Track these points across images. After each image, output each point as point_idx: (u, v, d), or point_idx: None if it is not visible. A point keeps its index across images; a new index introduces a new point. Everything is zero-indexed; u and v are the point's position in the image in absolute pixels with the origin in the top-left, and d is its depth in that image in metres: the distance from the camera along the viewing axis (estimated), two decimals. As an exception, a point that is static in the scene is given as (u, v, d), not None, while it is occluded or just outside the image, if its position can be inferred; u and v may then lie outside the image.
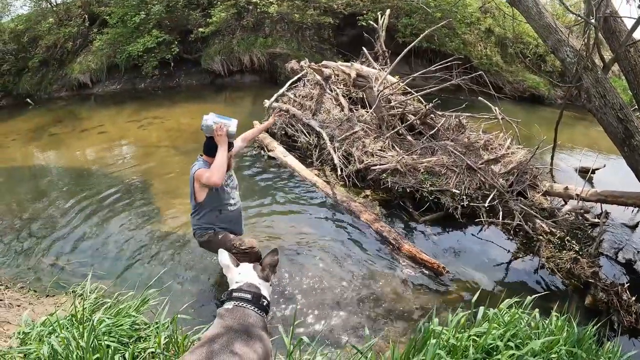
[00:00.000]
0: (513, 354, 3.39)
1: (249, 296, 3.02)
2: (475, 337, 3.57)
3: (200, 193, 4.83)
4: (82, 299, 4.55)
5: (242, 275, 3.16)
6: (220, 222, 5.03)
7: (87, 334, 3.49)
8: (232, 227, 5.14)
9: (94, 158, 10.66)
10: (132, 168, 9.78)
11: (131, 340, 3.81)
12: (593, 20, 5.63)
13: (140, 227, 7.02)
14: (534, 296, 4.20)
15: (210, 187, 4.76)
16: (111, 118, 14.93)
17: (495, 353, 3.48)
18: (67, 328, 3.77)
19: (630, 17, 5.69)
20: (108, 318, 3.88)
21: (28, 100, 18.47)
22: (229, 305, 3.01)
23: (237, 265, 3.22)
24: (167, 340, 3.74)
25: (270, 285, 3.27)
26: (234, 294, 3.06)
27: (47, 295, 5.34)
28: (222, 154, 4.68)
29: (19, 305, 4.96)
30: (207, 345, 2.71)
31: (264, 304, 3.05)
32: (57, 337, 3.60)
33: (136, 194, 8.31)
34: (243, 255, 4.73)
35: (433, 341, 3.43)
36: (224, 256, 3.22)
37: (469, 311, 3.87)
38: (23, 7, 21.15)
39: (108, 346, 3.56)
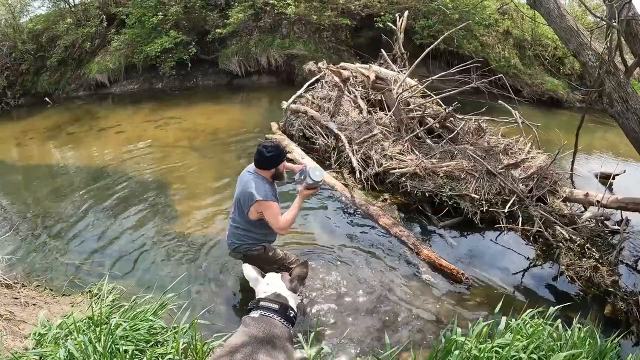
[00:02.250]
0: (536, 367, 3.34)
1: (276, 306, 3.00)
2: (498, 349, 3.52)
3: (255, 214, 4.61)
4: (98, 300, 4.56)
5: (270, 285, 3.15)
6: (271, 236, 4.94)
7: (104, 338, 3.48)
8: (274, 237, 5.06)
9: (111, 157, 10.69)
10: (150, 168, 9.81)
11: (148, 345, 3.79)
12: (615, 23, 5.54)
13: (157, 227, 7.03)
14: (557, 307, 4.14)
15: None
16: (128, 118, 15.01)
17: (518, 365, 3.43)
18: (84, 331, 3.76)
19: (653, 21, 5.61)
20: (125, 321, 3.88)
21: (46, 99, 18.63)
22: (255, 314, 2.99)
23: (264, 277, 3.19)
24: (185, 346, 3.72)
25: (299, 296, 3.25)
26: (261, 303, 3.04)
27: (63, 295, 5.36)
28: (299, 207, 4.62)
29: (34, 304, 4.96)
30: (230, 354, 2.69)
31: (291, 315, 3.03)
32: (73, 340, 3.58)
33: (154, 195, 8.32)
34: (286, 269, 4.66)
35: (456, 352, 3.38)
36: (249, 269, 3.20)
37: (491, 321, 3.82)
38: (41, 8, 21.31)
39: (125, 351, 3.55)
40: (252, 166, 4.75)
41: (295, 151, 9.32)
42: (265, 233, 4.84)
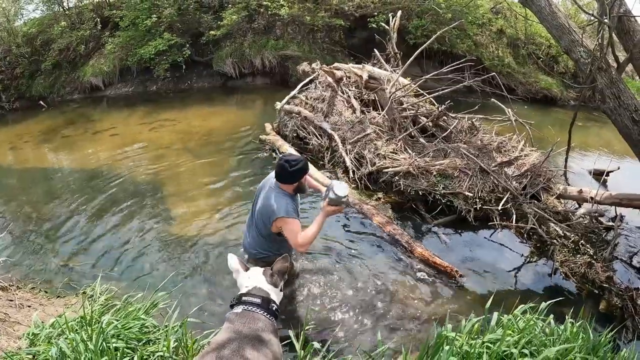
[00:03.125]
0: (527, 362, 3.35)
1: (258, 300, 3.00)
2: (489, 344, 3.52)
3: (276, 229, 4.46)
4: (91, 300, 4.56)
5: (252, 279, 3.15)
6: (288, 247, 4.83)
7: (96, 336, 3.49)
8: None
9: (106, 160, 10.68)
10: (144, 170, 9.79)
11: (140, 344, 3.81)
12: (607, 20, 5.56)
13: (151, 229, 7.02)
14: (549, 302, 4.15)
15: None
16: (123, 120, 15.00)
17: (509, 360, 3.43)
18: (76, 330, 3.77)
19: (644, 16, 5.62)
20: (117, 320, 3.89)
21: (41, 102, 18.61)
22: (237, 309, 2.99)
23: (247, 270, 3.19)
24: (176, 344, 3.73)
25: (280, 290, 3.24)
26: (243, 298, 3.04)
27: (58, 296, 5.36)
28: (321, 224, 4.37)
29: (29, 306, 4.97)
30: (217, 350, 2.69)
31: (273, 308, 3.03)
32: (65, 339, 3.60)
33: (147, 196, 8.31)
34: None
35: (446, 347, 3.38)
36: (233, 260, 3.20)
37: (482, 317, 3.82)
38: (35, 11, 21.28)
39: (117, 349, 3.56)
40: (274, 179, 4.55)
41: (289, 152, 9.32)
42: (284, 244, 4.70)
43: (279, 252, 4.57)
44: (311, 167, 6.94)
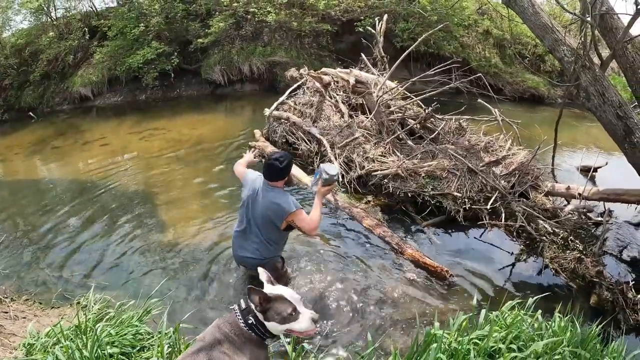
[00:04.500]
0: (515, 357, 3.38)
1: (243, 305, 3.03)
2: (477, 341, 3.56)
3: (285, 224, 4.70)
4: (86, 310, 4.57)
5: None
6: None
7: (91, 344, 3.51)
8: None
9: (97, 170, 10.66)
10: (135, 179, 9.80)
11: (134, 350, 3.83)
12: (589, 18, 5.62)
13: (142, 237, 7.02)
14: (535, 297, 4.20)
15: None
16: (113, 130, 15.00)
17: (497, 356, 3.47)
18: (71, 338, 3.79)
19: (626, 14, 5.65)
20: (111, 327, 3.91)
21: (31, 113, 18.56)
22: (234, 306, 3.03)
23: (272, 285, 3.18)
24: (170, 349, 3.75)
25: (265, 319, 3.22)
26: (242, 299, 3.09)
27: (52, 307, 5.35)
28: (320, 205, 4.68)
29: (24, 317, 4.96)
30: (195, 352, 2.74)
31: (250, 321, 2.96)
32: (61, 347, 3.62)
33: (139, 205, 8.31)
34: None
35: (434, 345, 3.42)
36: (264, 276, 3.19)
37: (470, 314, 3.86)
38: (23, 22, 21.25)
39: (111, 355, 3.59)
40: (261, 178, 4.79)
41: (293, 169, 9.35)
42: (285, 243, 5.07)
43: (278, 254, 4.94)
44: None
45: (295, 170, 8.52)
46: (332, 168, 4.62)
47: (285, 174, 4.68)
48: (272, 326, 2.86)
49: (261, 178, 4.77)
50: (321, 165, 4.68)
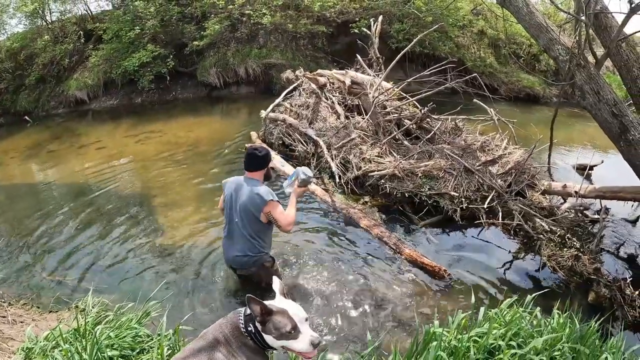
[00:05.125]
0: (515, 353, 3.39)
1: (247, 311, 3.02)
2: (477, 338, 3.57)
3: (264, 217, 4.78)
4: (84, 313, 4.56)
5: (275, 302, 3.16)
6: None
7: (90, 347, 3.50)
8: None
9: (93, 173, 10.64)
10: (131, 182, 9.80)
11: (134, 353, 3.82)
12: (583, 17, 5.65)
13: (140, 240, 7.01)
14: (534, 294, 4.21)
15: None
16: (109, 133, 14.99)
17: (497, 353, 3.48)
18: (71, 342, 3.78)
19: (620, 13, 5.68)
20: (110, 330, 3.90)
21: (26, 117, 18.54)
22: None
23: (284, 296, 3.17)
24: (169, 352, 3.74)
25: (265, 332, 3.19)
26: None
27: (50, 311, 5.33)
28: (295, 204, 4.92)
29: (22, 322, 4.95)
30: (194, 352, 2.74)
31: (249, 329, 2.94)
32: (60, 351, 3.60)
33: (135, 208, 8.30)
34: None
35: (434, 343, 3.43)
36: (277, 286, 3.18)
37: (469, 312, 3.88)
38: (18, 26, 21.25)
39: (111, 358, 3.58)
40: (240, 177, 4.97)
41: (275, 159, 9.34)
42: (270, 240, 5.09)
43: (265, 251, 4.94)
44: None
45: (277, 161, 8.78)
46: (308, 170, 5.01)
47: (264, 164, 4.88)
48: (270, 339, 2.81)
49: (240, 176, 4.97)
50: (297, 168, 5.04)
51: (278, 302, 2.95)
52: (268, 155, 4.91)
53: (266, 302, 2.84)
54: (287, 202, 4.94)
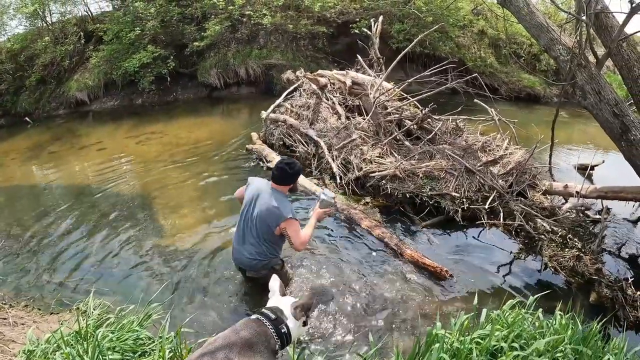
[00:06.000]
0: (517, 355, 3.38)
1: (273, 316, 3.04)
2: (479, 340, 3.56)
3: (279, 231, 4.75)
4: (85, 315, 4.55)
5: (280, 303, 3.19)
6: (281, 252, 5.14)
7: (92, 349, 3.49)
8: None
9: (94, 175, 10.65)
10: (132, 184, 9.78)
11: (135, 355, 3.81)
12: (584, 17, 5.64)
13: (141, 241, 7.00)
14: (536, 296, 4.20)
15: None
16: (109, 134, 14.98)
17: (499, 355, 3.47)
18: (72, 344, 3.77)
19: (621, 12, 5.67)
20: (111, 333, 3.89)
21: (27, 118, 18.56)
22: (253, 316, 3.05)
23: (283, 295, 3.21)
24: (171, 354, 3.73)
25: (304, 325, 3.25)
26: (262, 310, 3.10)
27: (51, 313, 5.31)
28: (314, 225, 4.91)
29: (23, 324, 4.93)
30: (211, 353, 2.73)
31: (282, 330, 3.02)
32: (62, 353, 3.59)
33: (136, 209, 8.30)
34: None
35: (436, 345, 3.42)
36: (275, 283, 3.21)
37: (472, 314, 3.87)
38: (19, 27, 21.24)
39: (113, 360, 3.57)
40: (267, 182, 4.94)
41: (276, 160, 9.32)
42: (281, 246, 5.06)
43: (276, 255, 4.93)
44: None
45: (302, 179, 8.48)
46: (329, 192, 5.02)
47: (292, 180, 4.84)
48: (301, 330, 2.96)
49: (267, 181, 4.92)
50: (320, 189, 4.95)
51: (283, 299, 3.02)
52: (299, 172, 4.86)
53: (280, 298, 2.96)
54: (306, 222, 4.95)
